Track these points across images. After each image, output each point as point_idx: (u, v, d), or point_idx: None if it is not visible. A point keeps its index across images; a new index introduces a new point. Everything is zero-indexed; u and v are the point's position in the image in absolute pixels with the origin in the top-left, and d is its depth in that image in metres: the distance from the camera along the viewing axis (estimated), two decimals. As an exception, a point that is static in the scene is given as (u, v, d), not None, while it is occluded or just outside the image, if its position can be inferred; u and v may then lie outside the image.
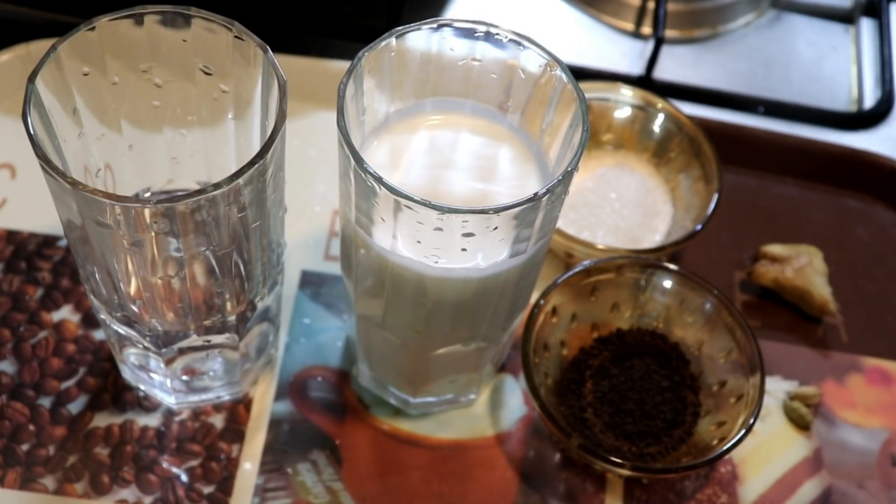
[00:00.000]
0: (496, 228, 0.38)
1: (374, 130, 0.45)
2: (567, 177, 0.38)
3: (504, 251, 0.40)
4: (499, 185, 0.43)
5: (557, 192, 0.38)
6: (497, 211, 0.37)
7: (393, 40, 0.42)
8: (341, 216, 0.45)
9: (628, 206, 0.59)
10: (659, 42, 0.68)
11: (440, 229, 0.38)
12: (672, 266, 0.54)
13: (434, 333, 0.46)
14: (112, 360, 0.53)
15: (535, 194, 0.37)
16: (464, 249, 0.39)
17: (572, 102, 0.41)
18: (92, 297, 0.46)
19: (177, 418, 0.52)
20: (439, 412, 0.53)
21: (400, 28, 0.42)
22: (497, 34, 0.42)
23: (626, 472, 0.48)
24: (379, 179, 0.37)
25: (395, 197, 0.37)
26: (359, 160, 0.38)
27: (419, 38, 0.42)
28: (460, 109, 0.45)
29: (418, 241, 0.39)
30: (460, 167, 0.44)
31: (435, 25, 0.42)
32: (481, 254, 0.40)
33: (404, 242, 0.40)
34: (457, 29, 0.43)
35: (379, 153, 0.44)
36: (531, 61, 0.42)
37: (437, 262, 0.40)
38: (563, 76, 0.41)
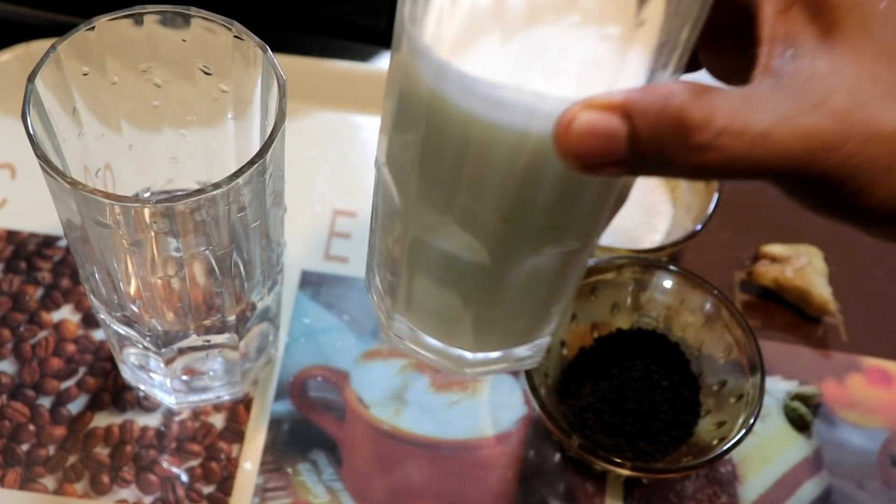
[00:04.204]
0: (643, 24, 0.28)
1: None
2: None
3: (642, 74, 0.30)
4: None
5: None
6: None
7: None
8: (400, 70, 0.32)
9: (628, 205, 0.59)
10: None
11: (570, 25, 0.28)
12: (672, 266, 0.54)
13: (527, 222, 0.34)
14: (112, 360, 0.53)
15: None
16: (596, 62, 0.29)
17: None
18: (92, 297, 0.46)
19: (177, 418, 0.52)
20: (497, 372, 0.45)
21: None
22: None
23: (626, 472, 0.48)
24: None
25: None
26: None
27: None
28: None
29: (529, 60, 0.29)
30: None
31: None
32: (617, 77, 0.29)
33: (503, 61, 0.29)
34: None
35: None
36: None
37: (553, 90, 0.29)
38: None
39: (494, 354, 0.42)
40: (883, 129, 0.29)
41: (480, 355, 0.42)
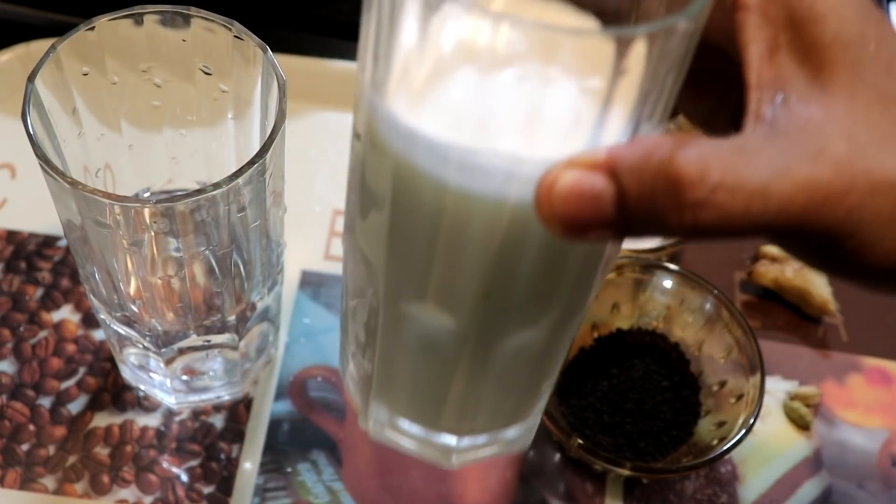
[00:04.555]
0: (624, 74, 0.26)
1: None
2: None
3: (626, 127, 0.28)
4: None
5: (702, 18, 0.27)
6: (635, 35, 0.24)
7: None
8: (363, 139, 0.30)
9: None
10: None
11: (547, 81, 0.25)
12: (672, 266, 0.54)
13: (510, 295, 0.32)
14: (112, 360, 0.53)
15: (688, 8, 0.25)
16: (575, 121, 0.27)
17: None
18: (92, 297, 0.46)
19: (177, 418, 0.52)
20: (485, 459, 0.41)
21: None
22: None
23: (626, 472, 0.48)
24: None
25: (472, 15, 0.24)
26: None
27: None
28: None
29: (504, 119, 0.26)
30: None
31: None
32: (599, 130, 0.27)
33: (480, 126, 0.26)
34: None
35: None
36: None
37: (531, 152, 0.26)
38: None
39: (482, 438, 0.39)
40: (885, 178, 0.27)
41: (466, 440, 0.39)
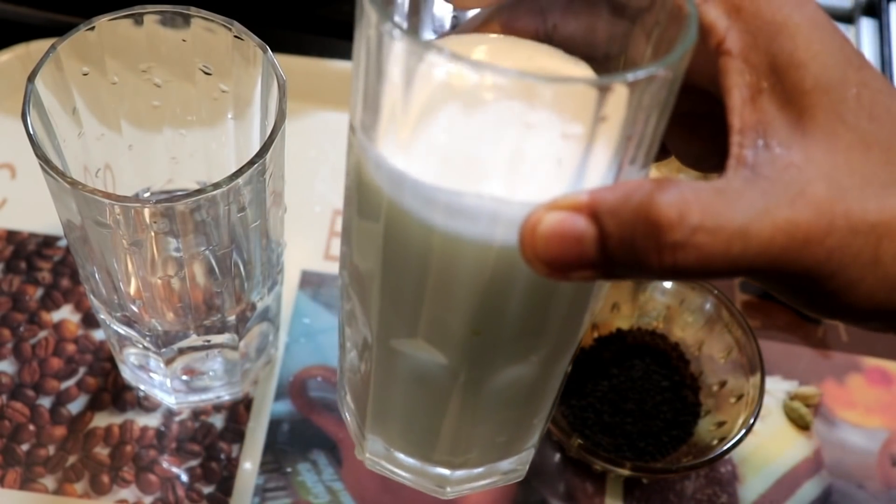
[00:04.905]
0: (606, 120, 0.26)
1: None
2: (687, 47, 0.27)
3: (609, 171, 0.28)
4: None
5: (681, 66, 0.27)
6: (614, 81, 0.25)
7: None
8: (350, 173, 0.32)
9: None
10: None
11: (529, 126, 0.26)
12: (672, 266, 0.53)
13: (500, 332, 0.32)
14: (112, 360, 0.53)
15: (665, 59, 0.26)
16: (558, 162, 0.27)
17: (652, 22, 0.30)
18: (92, 297, 0.46)
19: (177, 418, 0.52)
20: (480, 490, 0.41)
21: None
22: None
23: (626, 472, 0.48)
24: (433, 48, 0.25)
25: (455, 64, 0.25)
26: (394, 28, 0.25)
27: None
28: (493, 40, 0.33)
29: (486, 163, 0.27)
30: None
31: None
32: (581, 174, 0.28)
33: (466, 170, 0.27)
34: None
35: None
36: None
37: (515, 194, 0.27)
38: None
39: (477, 470, 0.40)
40: (865, 220, 0.28)
41: (461, 472, 0.39)
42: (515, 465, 0.41)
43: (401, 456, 0.39)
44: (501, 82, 0.24)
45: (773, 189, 0.27)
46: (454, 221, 0.28)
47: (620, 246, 0.27)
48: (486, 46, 0.32)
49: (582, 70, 0.32)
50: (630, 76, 0.25)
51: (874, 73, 0.30)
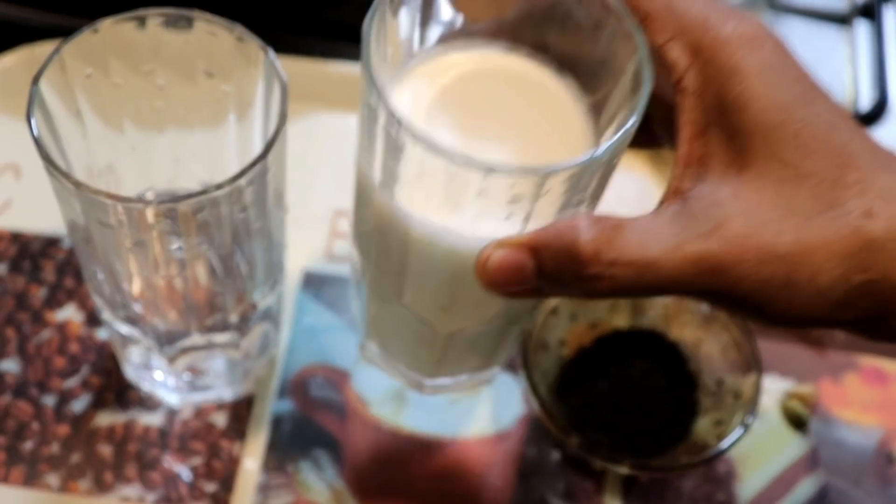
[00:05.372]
0: (547, 192, 0.33)
1: (393, 77, 0.38)
2: (627, 133, 0.33)
3: (550, 219, 0.35)
4: (542, 140, 0.37)
5: (618, 151, 0.33)
6: (551, 172, 0.31)
7: None
8: (357, 183, 0.40)
9: (628, 205, 0.59)
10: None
11: (482, 193, 0.33)
12: (670, 266, 0.54)
13: (461, 311, 0.41)
14: (115, 359, 0.53)
15: (594, 154, 0.32)
16: (507, 217, 0.34)
17: (630, 50, 0.35)
18: (95, 296, 0.46)
19: (179, 417, 0.52)
20: (451, 395, 0.53)
21: None
22: None
23: (624, 471, 0.49)
24: (413, 134, 0.32)
25: (432, 154, 0.32)
26: (389, 112, 0.32)
27: None
28: (493, 53, 0.39)
29: (454, 207, 0.34)
30: (495, 119, 0.38)
31: None
32: (527, 221, 0.34)
33: (437, 209, 0.35)
34: None
35: (401, 103, 0.38)
36: (581, 0, 0.36)
37: (474, 232, 0.35)
38: (621, 17, 0.35)
39: (448, 381, 0.50)
40: (777, 250, 0.31)
41: (436, 380, 0.49)
42: (483, 377, 0.51)
43: (391, 359, 0.49)
44: (464, 168, 0.31)
45: (692, 224, 0.32)
46: (431, 246, 0.36)
47: (552, 275, 0.33)
48: (483, 70, 0.39)
49: (566, 87, 0.38)
50: (566, 165, 0.31)
51: (823, 108, 0.33)
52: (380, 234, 0.39)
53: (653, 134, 0.38)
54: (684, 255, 0.31)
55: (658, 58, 0.34)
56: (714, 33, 0.33)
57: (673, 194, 0.33)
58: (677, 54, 0.34)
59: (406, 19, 0.37)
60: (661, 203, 0.34)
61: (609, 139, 0.33)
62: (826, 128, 0.32)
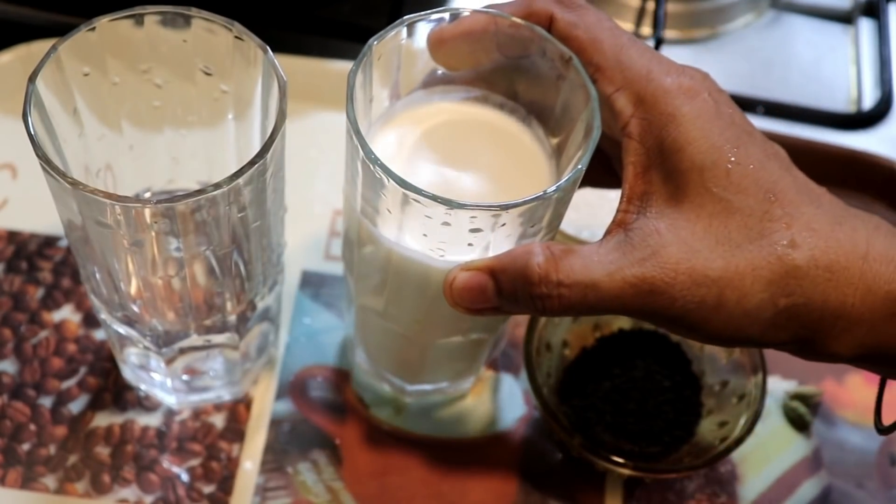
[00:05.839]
0: (504, 224, 0.37)
1: (380, 120, 0.43)
2: (576, 174, 0.37)
3: (510, 246, 0.39)
4: (508, 179, 0.42)
5: (567, 189, 0.38)
6: (506, 208, 0.36)
7: (403, 29, 0.41)
8: (345, 207, 0.44)
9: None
10: (658, 42, 0.68)
11: (447, 224, 0.37)
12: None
13: (435, 324, 0.45)
14: (113, 359, 0.53)
15: (545, 192, 0.37)
16: (470, 244, 0.39)
17: (585, 99, 0.39)
18: (93, 296, 0.46)
19: (177, 418, 0.52)
20: (433, 401, 0.54)
21: (410, 17, 0.41)
22: (510, 25, 0.41)
23: (627, 472, 0.49)
24: (387, 171, 0.36)
25: (403, 190, 0.36)
26: (368, 152, 0.37)
27: (429, 28, 0.42)
28: (470, 101, 0.44)
29: (424, 235, 0.39)
30: (468, 161, 0.42)
31: (447, 15, 0.41)
32: (487, 248, 0.39)
33: (411, 235, 0.40)
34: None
35: (385, 144, 0.43)
36: (545, 54, 0.41)
37: (442, 256, 0.39)
38: (578, 70, 0.40)
39: (428, 387, 0.53)
40: (709, 275, 0.35)
41: (417, 386, 0.53)
42: (461, 386, 0.54)
43: (376, 366, 0.53)
44: (431, 204, 0.36)
45: (632, 251, 0.36)
46: (405, 268, 0.41)
47: (509, 294, 0.37)
48: (460, 119, 0.44)
49: (531, 134, 0.43)
50: (522, 203, 0.36)
51: (755, 149, 0.37)
52: (365, 257, 0.43)
53: (616, 175, 0.42)
54: (623, 277, 0.36)
55: (608, 106, 0.38)
56: (655, 85, 0.37)
57: (617, 226, 0.37)
58: (623, 103, 0.38)
59: (389, 69, 0.42)
60: (607, 233, 0.37)
61: (561, 181, 0.37)
62: (756, 167, 0.36)
